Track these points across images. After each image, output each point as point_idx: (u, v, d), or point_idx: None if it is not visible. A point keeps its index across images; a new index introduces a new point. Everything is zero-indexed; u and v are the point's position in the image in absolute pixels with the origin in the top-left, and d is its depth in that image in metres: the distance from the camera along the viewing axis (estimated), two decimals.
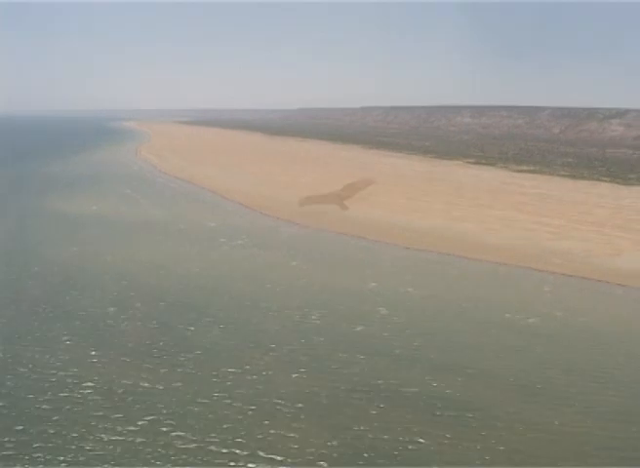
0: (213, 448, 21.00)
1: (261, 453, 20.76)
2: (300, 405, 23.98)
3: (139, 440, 21.33)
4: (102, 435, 21.76)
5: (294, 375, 26.48)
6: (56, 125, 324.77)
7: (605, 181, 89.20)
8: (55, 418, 22.72)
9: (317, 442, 21.51)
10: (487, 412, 24.01)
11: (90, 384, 25.36)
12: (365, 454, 20.90)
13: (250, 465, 20.20)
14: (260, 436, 21.87)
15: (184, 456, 20.43)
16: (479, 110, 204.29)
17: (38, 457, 20.45)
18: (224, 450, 20.93)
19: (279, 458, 20.58)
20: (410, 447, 21.51)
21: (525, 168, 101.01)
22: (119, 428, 22.08)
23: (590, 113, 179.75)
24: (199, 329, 31.42)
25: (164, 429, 22.08)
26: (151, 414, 23.02)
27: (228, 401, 24.13)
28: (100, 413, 23.06)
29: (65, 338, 30.10)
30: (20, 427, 22.09)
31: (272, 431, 22.10)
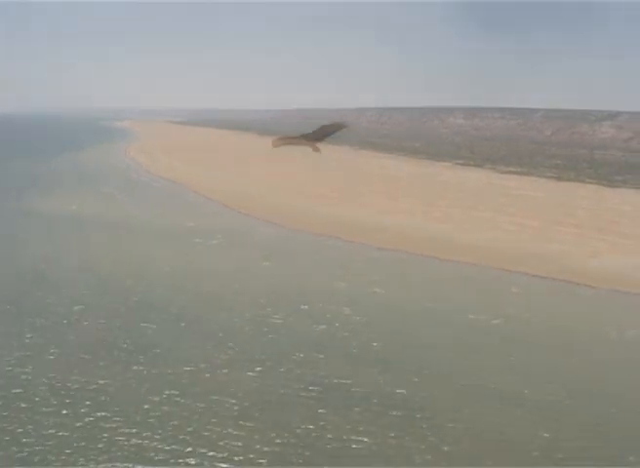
0: (155, 444, 21.18)
1: (203, 450, 20.96)
2: (249, 403, 24.16)
3: (82, 435, 21.55)
4: (50, 430, 21.96)
5: (248, 374, 26.65)
6: (47, 124, 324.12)
7: (591, 183, 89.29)
8: (3, 414, 22.90)
9: (261, 439, 21.70)
10: (436, 413, 24.17)
11: (44, 380, 25.54)
12: (307, 453, 21.09)
13: (189, 461, 20.42)
14: (205, 433, 22.06)
15: (125, 453, 20.63)
16: (472, 112, 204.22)
17: None
18: (167, 447, 21.11)
19: (220, 456, 20.78)
20: (353, 446, 21.70)
21: (512, 169, 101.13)
22: (66, 424, 22.27)
23: (582, 115, 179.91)
24: (161, 327, 31.57)
25: (110, 426, 22.26)
26: (100, 411, 23.20)
27: (179, 398, 24.31)
28: (50, 409, 23.25)
29: (27, 335, 30.27)
30: None
31: (218, 429, 22.28)
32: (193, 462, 20.39)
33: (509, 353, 30.14)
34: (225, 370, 26.84)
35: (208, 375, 26.30)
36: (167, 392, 24.71)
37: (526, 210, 66.49)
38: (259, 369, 27.19)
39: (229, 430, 22.22)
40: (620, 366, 29.56)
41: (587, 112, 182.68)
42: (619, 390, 26.95)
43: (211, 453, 20.91)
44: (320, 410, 23.77)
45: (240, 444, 21.37)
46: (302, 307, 34.89)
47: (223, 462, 20.44)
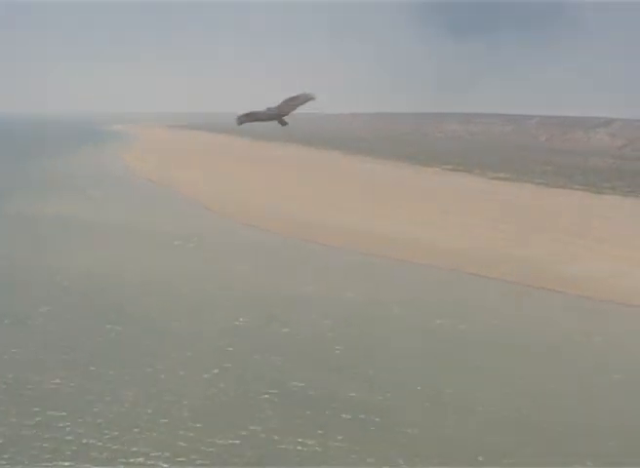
0: (100, 444, 21.41)
1: (147, 450, 21.16)
2: (202, 404, 24.44)
3: (29, 434, 21.79)
4: None
5: (205, 376, 26.91)
6: (37, 127, 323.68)
7: (578, 190, 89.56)
8: None
9: (206, 440, 21.92)
10: (387, 417, 24.34)
11: None
12: (249, 454, 21.31)
13: (132, 460, 20.66)
14: (154, 434, 22.29)
15: (67, 453, 20.87)
16: (466, 117, 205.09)
17: None
18: (114, 447, 21.34)
19: (164, 456, 21.00)
20: (299, 447, 21.90)
21: (501, 175, 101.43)
22: (14, 423, 22.49)
23: (577, 122, 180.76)
24: (124, 329, 31.80)
25: (59, 425, 22.48)
26: (51, 410, 23.43)
27: (132, 399, 24.54)
28: (1, 408, 23.48)
29: None
30: None
31: (166, 429, 22.51)
32: (134, 461, 20.62)
33: (469, 358, 30.31)
34: (182, 372, 27.10)
35: (164, 377, 26.54)
36: (120, 393, 24.96)
37: (507, 215, 66.74)
38: (216, 371, 27.43)
39: (177, 431, 22.44)
40: (580, 372, 29.75)
41: (582, 119, 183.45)
42: (574, 395, 27.21)
43: (155, 453, 21.12)
44: (271, 413, 24.00)
45: (184, 444, 21.59)
46: (269, 311, 35.15)
47: (165, 462, 20.67)
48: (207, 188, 79.45)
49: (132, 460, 20.74)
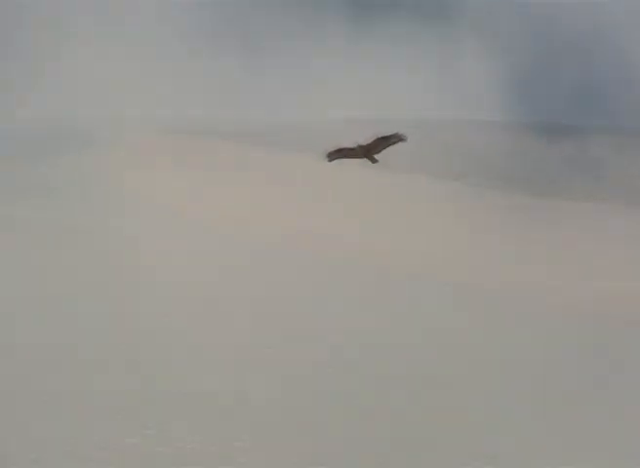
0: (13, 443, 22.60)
1: (53, 447, 22.32)
2: (111, 404, 25.38)
3: None
4: None
5: (117, 376, 27.46)
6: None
7: (557, 199, 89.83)
8: None
9: (112, 440, 22.98)
10: (296, 418, 25.22)
11: None
12: (147, 452, 22.30)
13: (32, 457, 21.67)
14: (63, 431, 23.23)
15: None
16: (462, 124, 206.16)
17: None
18: (26, 445, 22.46)
19: (67, 449, 21.99)
20: (199, 447, 22.92)
21: (483, 182, 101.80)
22: None
23: (572, 129, 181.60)
24: (61, 337, 32.08)
25: None
26: None
27: (45, 399, 25.41)
28: None
29: None
30: None
31: (72, 428, 23.45)
32: (36, 457, 21.62)
33: (397, 364, 30.65)
34: (96, 372, 27.82)
35: (75, 375, 27.36)
36: (37, 392, 26.00)
37: (478, 222, 67.26)
38: (131, 371, 28.14)
39: (84, 429, 23.48)
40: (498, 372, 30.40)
41: (577, 125, 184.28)
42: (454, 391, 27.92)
43: (62, 450, 22.19)
44: (178, 413, 24.70)
45: (90, 442, 22.67)
46: (187, 312, 35.47)
47: (68, 458, 21.68)
48: (195, 202, 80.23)
49: (33, 456, 21.80)
